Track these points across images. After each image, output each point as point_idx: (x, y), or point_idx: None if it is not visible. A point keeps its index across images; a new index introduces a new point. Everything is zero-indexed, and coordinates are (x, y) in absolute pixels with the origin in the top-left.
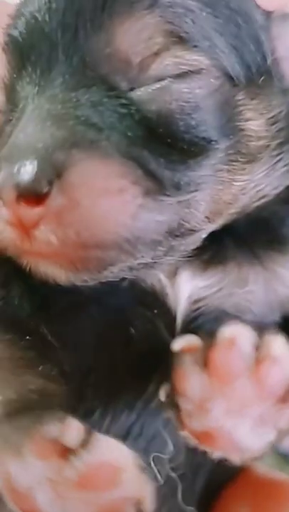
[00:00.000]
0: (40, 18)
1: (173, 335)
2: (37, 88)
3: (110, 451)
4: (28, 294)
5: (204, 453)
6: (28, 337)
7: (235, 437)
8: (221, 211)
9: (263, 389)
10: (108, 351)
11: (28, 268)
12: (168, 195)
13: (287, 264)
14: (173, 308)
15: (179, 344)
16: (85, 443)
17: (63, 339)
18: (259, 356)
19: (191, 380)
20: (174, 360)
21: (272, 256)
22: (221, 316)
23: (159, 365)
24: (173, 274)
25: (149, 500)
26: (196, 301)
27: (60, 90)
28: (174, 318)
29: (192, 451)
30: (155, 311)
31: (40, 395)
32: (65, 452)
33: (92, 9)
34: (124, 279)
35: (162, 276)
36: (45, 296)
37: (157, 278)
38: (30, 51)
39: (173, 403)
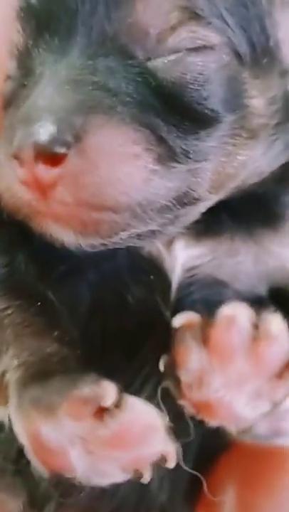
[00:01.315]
0: None
1: (168, 301)
2: (55, 55)
3: (141, 410)
4: (33, 259)
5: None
6: (38, 303)
7: (233, 408)
8: (224, 183)
9: (260, 365)
10: (102, 317)
11: (37, 230)
12: (178, 163)
13: (277, 240)
14: (169, 274)
15: (179, 320)
16: (118, 403)
17: (64, 304)
18: (257, 334)
19: (191, 355)
20: (175, 335)
21: (264, 232)
22: (212, 284)
23: (151, 332)
24: (169, 243)
25: (173, 456)
26: (189, 269)
27: (79, 58)
28: (169, 285)
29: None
30: (152, 277)
31: (58, 357)
32: (99, 412)
33: None
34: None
35: (159, 244)
36: (46, 261)
37: (155, 245)
38: (48, 19)
39: (172, 374)
